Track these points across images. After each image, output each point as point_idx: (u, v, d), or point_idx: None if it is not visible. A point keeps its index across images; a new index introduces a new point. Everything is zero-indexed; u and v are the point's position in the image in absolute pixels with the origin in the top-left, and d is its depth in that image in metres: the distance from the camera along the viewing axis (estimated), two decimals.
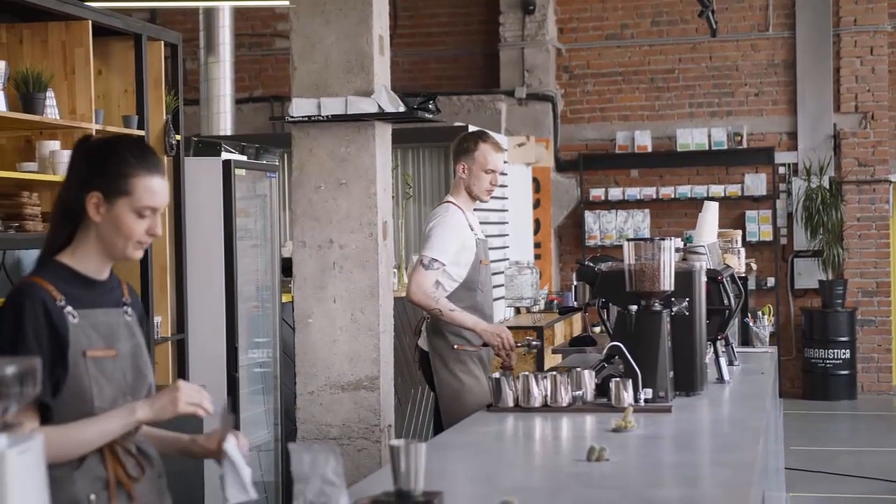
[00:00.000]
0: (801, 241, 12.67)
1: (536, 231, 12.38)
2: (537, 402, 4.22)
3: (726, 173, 12.96)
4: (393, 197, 5.86)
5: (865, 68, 12.77)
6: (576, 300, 5.51)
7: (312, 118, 5.19)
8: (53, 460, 2.68)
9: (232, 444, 2.84)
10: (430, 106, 5.40)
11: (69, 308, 2.76)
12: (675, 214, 12.93)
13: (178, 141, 6.48)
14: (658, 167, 13.08)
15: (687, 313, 4.52)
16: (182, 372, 6.48)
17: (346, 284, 5.24)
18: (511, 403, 4.26)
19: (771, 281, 12.69)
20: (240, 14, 12.74)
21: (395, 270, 8.10)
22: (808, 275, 12.76)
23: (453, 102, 12.60)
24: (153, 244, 4.58)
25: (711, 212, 6.21)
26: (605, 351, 4.42)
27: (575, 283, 5.44)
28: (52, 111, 5.71)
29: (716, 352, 5.08)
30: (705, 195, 12.42)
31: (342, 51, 5.20)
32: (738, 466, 3.39)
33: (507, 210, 10.39)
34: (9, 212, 5.48)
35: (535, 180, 12.37)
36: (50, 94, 5.70)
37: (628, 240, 4.45)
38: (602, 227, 13.06)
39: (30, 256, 7.53)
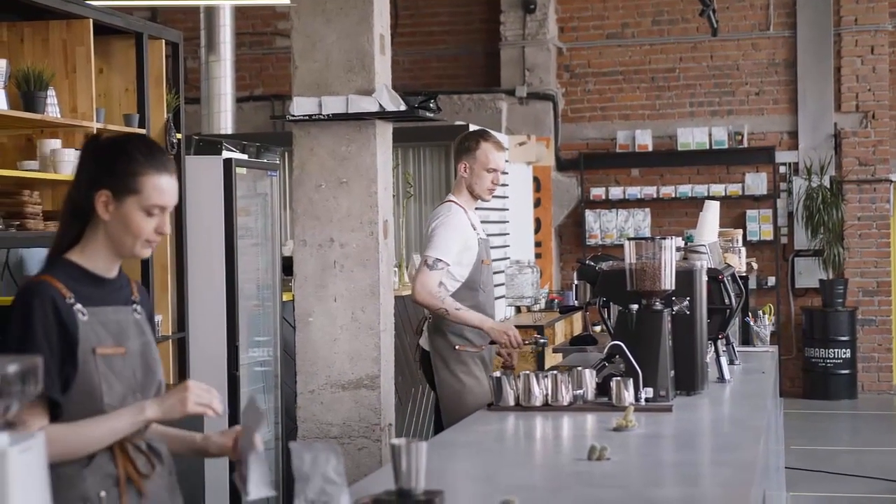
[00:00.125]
0: (802, 241, 12.67)
1: (537, 230, 12.38)
2: (538, 401, 4.22)
3: (727, 172, 12.96)
4: (394, 196, 5.85)
5: (866, 67, 12.77)
6: (576, 299, 5.51)
7: (313, 117, 5.19)
8: (63, 458, 2.70)
9: (259, 439, 2.82)
10: (431, 105, 5.40)
11: (78, 306, 2.76)
12: (676, 214, 12.93)
13: (178, 140, 6.48)
14: (659, 166, 13.08)
15: (688, 312, 4.52)
16: (182, 370, 6.47)
17: (346, 283, 5.24)
18: (512, 402, 4.26)
19: (771, 280, 12.69)
20: (240, 13, 12.73)
21: (396, 269, 8.09)
22: (809, 274, 12.76)
23: (454, 101, 12.60)
24: None
25: (712, 211, 6.21)
26: (605, 350, 4.42)
27: (576, 282, 5.44)
28: (53, 110, 5.70)
29: (716, 351, 5.08)
30: (706, 194, 12.41)
31: (343, 50, 5.20)
32: (739, 466, 3.39)
33: (507, 209, 10.39)
34: (10, 210, 5.47)
35: (535, 179, 12.36)
36: (51, 92, 5.70)
37: (629, 239, 4.45)
38: (603, 226, 13.06)
39: (32, 255, 7.55)
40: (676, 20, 13.12)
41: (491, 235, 5.92)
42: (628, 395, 4.18)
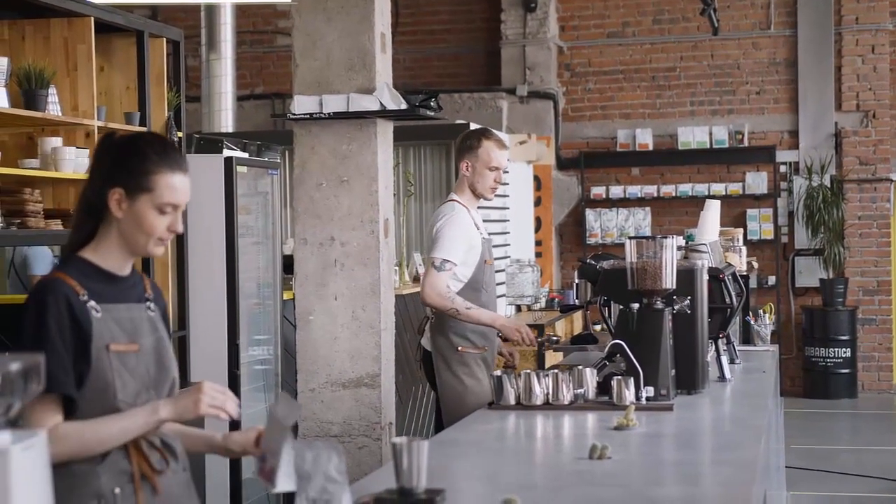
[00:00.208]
0: (802, 240, 12.67)
1: (537, 229, 12.38)
2: (539, 400, 4.22)
3: (727, 171, 12.96)
4: (394, 194, 5.86)
5: (867, 67, 12.76)
6: (577, 298, 5.49)
7: (314, 115, 5.19)
8: (76, 456, 2.73)
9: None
10: (432, 103, 5.40)
11: (92, 303, 2.78)
12: (676, 213, 12.93)
13: (179, 138, 6.48)
14: (659, 165, 13.07)
15: (689, 311, 4.52)
16: (183, 369, 6.47)
17: (347, 282, 5.24)
18: (513, 401, 4.26)
19: (772, 279, 12.68)
20: (241, 11, 12.73)
21: (397, 268, 8.10)
22: (809, 273, 12.75)
23: (454, 100, 12.60)
24: None
25: (713, 210, 6.21)
26: (606, 349, 4.42)
27: (576, 280, 5.42)
28: (54, 108, 5.71)
29: (717, 350, 5.08)
30: (706, 193, 12.41)
31: (344, 48, 5.20)
32: (740, 465, 3.39)
33: (508, 208, 10.39)
34: (11, 208, 5.47)
35: (536, 178, 12.36)
36: (52, 90, 5.70)
37: (630, 238, 4.45)
38: (603, 225, 13.06)
39: (36, 255, 7.56)
40: (677, 19, 13.11)
41: (491, 234, 5.90)
42: (629, 394, 4.18)
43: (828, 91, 12.76)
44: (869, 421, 11.65)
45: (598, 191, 13.07)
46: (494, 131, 5.63)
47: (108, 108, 6.17)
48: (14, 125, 5.80)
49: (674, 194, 12.87)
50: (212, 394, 2.79)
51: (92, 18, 5.90)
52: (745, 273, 6.63)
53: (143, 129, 6.18)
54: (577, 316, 10.54)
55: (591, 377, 4.30)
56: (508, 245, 10.41)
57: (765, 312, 6.76)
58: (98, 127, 5.94)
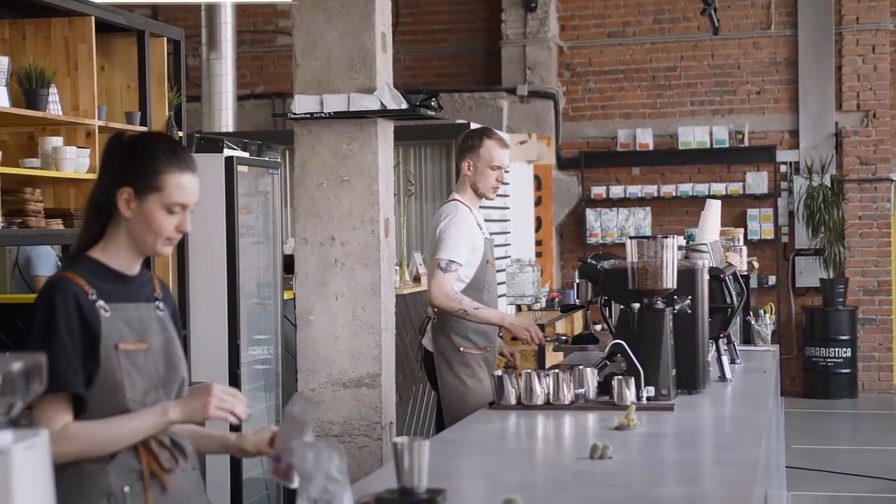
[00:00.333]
0: (803, 240, 12.67)
1: (538, 229, 12.38)
2: (540, 400, 4.22)
3: (728, 171, 12.96)
4: (395, 194, 5.85)
5: (867, 66, 12.76)
6: (578, 298, 5.48)
7: (315, 115, 5.19)
8: (85, 456, 2.74)
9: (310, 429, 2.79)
10: (433, 103, 5.39)
11: (101, 302, 2.79)
12: (677, 212, 12.93)
13: (180, 137, 6.48)
14: (659, 165, 13.07)
15: (689, 311, 4.52)
16: None
17: (347, 281, 5.24)
18: (513, 401, 4.26)
19: (772, 279, 12.68)
20: (242, 11, 12.74)
21: (397, 268, 8.10)
22: (810, 273, 12.75)
23: (455, 100, 12.61)
24: None
25: (714, 210, 6.21)
26: (607, 349, 4.42)
27: (577, 280, 5.42)
28: (54, 107, 5.71)
29: (718, 350, 5.08)
30: (707, 193, 12.41)
31: (344, 48, 5.20)
32: (741, 465, 3.39)
33: (508, 208, 10.40)
34: (12, 208, 5.47)
35: (536, 178, 12.36)
36: (53, 90, 5.70)
37: (631, 237, 4.45)
38: (603, 224, 13.06)
39: (40, 255, 7.57)
40: (678, 19, 13.11)
41: (492, 234, 5.90)
42: (630, 394, 4.18)
43: (828, 91, 12.76)
44: (869, 421, 11.65)
45: (598, 190, 13.07)
46: (496, 130, 5.62)
47: (109, 107, 6.17)
48: (15, 125, 5.80)
49: (674, 194, 12.87)
50: (221, 396, 2.80)
51: (93, 18, 5.90)
52: (745, 273, 6.63)
53: (144, 128, 6.18)
54: (578, 316, 10.54)
55: (591, 377, 4.30)
56: (509, 245, 10.41)
57: (765, 312, 6.76)
58: (99, 126, 5.94)
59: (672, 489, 3.20)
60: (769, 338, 6.59)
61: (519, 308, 10.14)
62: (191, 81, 11.28)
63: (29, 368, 1.86)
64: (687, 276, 4.54)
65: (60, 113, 5.73)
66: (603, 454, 3.36)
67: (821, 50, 12.77)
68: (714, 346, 5.05)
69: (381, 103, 5.12)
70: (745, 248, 7.17)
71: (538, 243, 12.31)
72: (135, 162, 2.83)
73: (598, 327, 7.75)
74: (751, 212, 12.79)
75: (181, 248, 6.51)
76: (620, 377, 4.21)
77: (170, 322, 2.96)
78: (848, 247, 12.61)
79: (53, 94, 5.70)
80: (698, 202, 11.61)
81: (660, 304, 4.39)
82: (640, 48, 13.20)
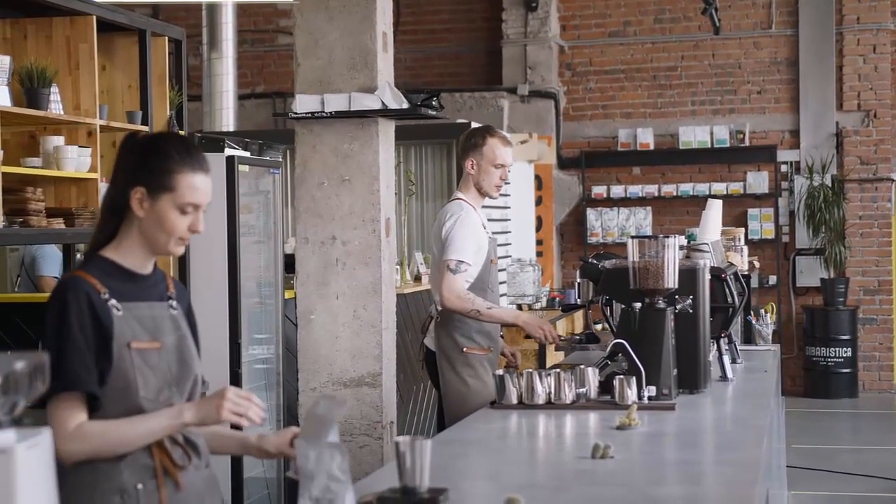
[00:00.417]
0: (803, 239, 12.67)
1: (538, 228, 12.37)
2: (541, 400, 4.22)
3: (728, 171, 12.96)
4: (396, 194, 5.85)
5: (868, 66, 12.76)
6: (579, 297, 5.48)
7: (316, 114, 5.19)
8: (100, 455, 2.76)
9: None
10: (434, 103, 5.39)
11: (113, 301, 2.80)
12: (677, 212, 12.93)
13: None
14: (660, 165, 13.07)
15: (690, 311, 4.52)
16: None
17: (348, 281, 5.24)
18: (515, 400, 4.26)
19: (773, 279, 12.69)
20: (242, 10, 12.74)
21: (398, 267, 8.10)
22: (810, 273, 12.75)
23: (456, 99, 12.61)
24: None
25: (715, 209, 6.21)
26: (608, 348, 4.42)
27: (578, 280, 5.41)
28: (56, 106, 5.71)
29: (719, 349, 5.08)
30: (707, 193, 12.41)
31: (346, 47, 5.20)
32: (743, 465, 3.39)
33: (509, 207, 10.40)
34: (13, 207, 5.48)
35: (537, 177, 12.36)
36: (54, 89, 5.71)
37: (633, 237, 4.45)
38: (604, 224, 13.06)
39: (45, 256, 7.58)
40: (678, 18, 13.11)
41: (492, 233, 5.88)
42: (631, 394, 4.18)
43: (829, 91, 12.76)
44: (869, 420, 11.65)
45: (598, 190, 13.07)
46: (498, 129, 5.61)
47: (110, 106, 6.18)
48: (16, 124, 5.80)
49: (675, 194, 12.87)
50: (235, 399, 2.80)
51: (94, 17, 5.91)
52: (746, 273, 6.63)
53: (146, 127, 6.19)
54: (579, 315, 10.53)
55: (593, 376, 4.30)
56: (509, 244, 10.41)
57: (766, 312, 6.76)
58: (100, 126, 5.94)
59: (673, 489, 3.21)
60: (770, 337, 6.60)
61: (519, 307, 10.14)
62: (192, 81, 11.27)
63: (32, 367, 1.86)
64: (688, 275, 4.54)
65: (62, 112, 5.74)
66: (604, 454, 3.36)
67: (822, 50, 12.77)
68: (715, 345, 5.05)
69: (383, 103, 5.13)
70: (745, 248, 7.17)
71: (539, 243, 12.31)
72: (148, 162, 2.84)
73: (599, 327, 7.74)
74: (751, 211, 12.79)
75: None
76: (622, 377, 4.21)
77: (183, 320, 2.98)
78: (848, 246, 12.61)
79: (55, 94, 5.71)
80: (699, 202, 11.62)
81: (661, 304, 4.39)
82: (641, 48, 13.20)
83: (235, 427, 2.89)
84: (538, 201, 12.41)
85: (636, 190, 12.99)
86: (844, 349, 12.33)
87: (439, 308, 5.29)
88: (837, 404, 12.12)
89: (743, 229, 8.06)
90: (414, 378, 7.66)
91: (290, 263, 6.62)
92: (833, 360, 12.34)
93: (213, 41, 11.27)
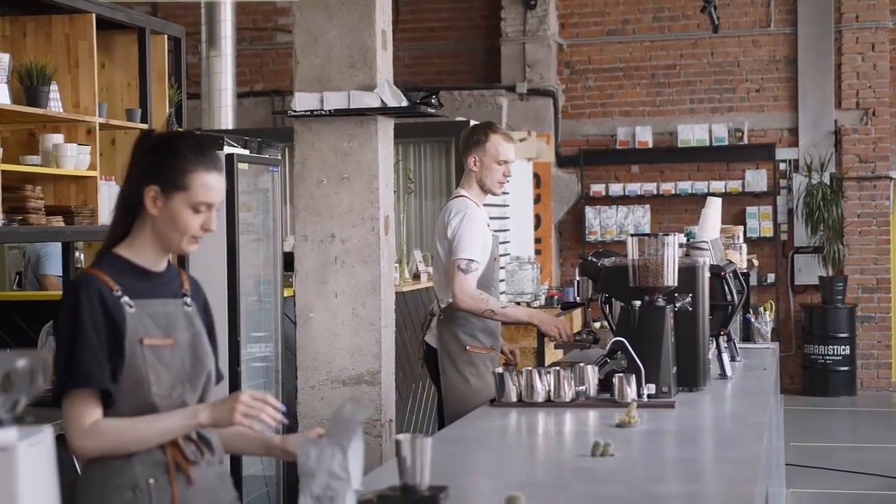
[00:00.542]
0: (802, 238, 12.68)
1: (537, 226, 12.38)
2: (541, 398, 4.23)
3: (727, 169, 12.96)
4: (395, 192, 5.85)
5: (867, 65, 12.77)
6: (578, 295, 5.48)
7: (315, 112, 5.19)
8: (114, 452, 2.78)
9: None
10: (433, 101, 5.39)
11: (126, 298, 2.81)
12: (676, 210, 12.93)
13: None
14: (659, 163, 13.08)
15: (690, 309, 4.53)
16: None
17: (347, 279, 5.24)
18: (514, 398, 4.26)
19: (771, 277, 12.69)
20: (241, 8, 12.73)
21: (397, 265, 8.10)
22: (809, 271, 12.76)
23: (454, 97, 12.60)
24: None
25: (714, 207, 6.21)
26: (608, 346, 4.42)
27: (577, 278, 5.42)
28: (55, 104, 5.71)
29: (718, 347, 5.08)
30: (706, 191, 12.42)
31: (345, 45, 5.20)
32: (742, 462, 3.40)
33: (507, 205, 10.39)
34: (13, 205, 5.48)
35: (535, 175, 12.36)
36: (53, 87, 5.71)
37: (632, 235, 4.45)
38: (602, 222, 13.07)
39: (50, 255, 7.59)
40: (677, 17, 13.12)
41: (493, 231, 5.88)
42: (631, 392, 4.18)
43: (828, 89, 12.76)
44: (868, 418, 11.66)
45: (597, 188, 13.07)
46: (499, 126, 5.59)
47: (110, 104, 6.17)
48: (15, 122, 5.80)
49: (673, 192, 12.88)
50: (249, 402, 2.81)
51: (93, 15, 5.90)
52: (745, 271, 6.63)
53: (145, 125, 6.18)
54: (577, 313, 10.54)
55: (592, 374, 4.30)
56: (508, 242, 10.41)
57: (765, 310, 6.77)
58: (99, 123, 5.94)
59: (673, 486, 3.21)
60: (769, 335, 6.60)
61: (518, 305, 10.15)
62: (191, 79, 11.28)
63: (33, 366, 1.86)
64: (688, 273, 4.54)
65: (61, 110, 5.74)
66: (604, 451, 3.36)
67: (820, 48, 12.77)
68: (714, 343, 5.05)
69: (382, 101, 5.12)
70: (744, 246, 7.17)
71: (537, 241, 12.31)
72: (162, 160, 2.85)
73: (598, 325, 7.73)
74: (750, 209, 12.80)
75: None
76: (621, 374, 4.21)
77: (198, 317, 2.98)
78: (847, 244, 12.62)
79: (54, 91, 5.70)
80: (697, 200, 11.62)
81: (660, 302, 4.39)
82: (640, 46, 13.20)
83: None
84: (537, 199, 12.41)
85: (635, 188, 12.99)
86: (843, 347, 12.34)
87: (442, 305, 5.28)
88: (836, 402, 12.13)
89: (742, 227, 8.05)
90: (413, 376, 7.66)
91: (289, 261, 6.62)
92: (831, 358, 12.35)
93: (212, 39, 11.27)
